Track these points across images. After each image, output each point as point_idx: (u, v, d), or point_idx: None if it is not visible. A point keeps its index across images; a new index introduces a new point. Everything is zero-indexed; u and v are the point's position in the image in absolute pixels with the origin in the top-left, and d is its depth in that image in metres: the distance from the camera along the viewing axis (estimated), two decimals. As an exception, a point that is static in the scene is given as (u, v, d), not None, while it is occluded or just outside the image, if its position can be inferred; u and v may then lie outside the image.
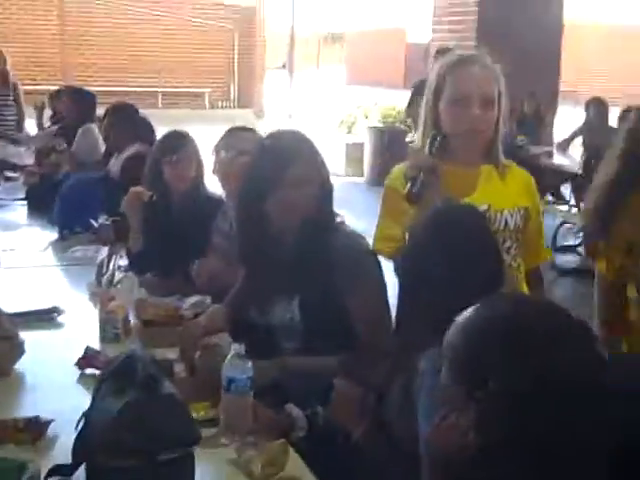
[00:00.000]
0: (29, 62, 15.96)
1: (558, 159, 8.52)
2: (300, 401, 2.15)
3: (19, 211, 5.11)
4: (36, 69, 16.66)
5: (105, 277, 3.18)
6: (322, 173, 2.40)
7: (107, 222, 3.76)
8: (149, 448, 1.61)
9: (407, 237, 1.99)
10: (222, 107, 19.01)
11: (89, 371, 2.40)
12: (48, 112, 7.27)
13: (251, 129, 3.01)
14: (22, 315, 2.72)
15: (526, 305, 1.35)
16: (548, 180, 7.42)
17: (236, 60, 19.47)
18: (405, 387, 1.86)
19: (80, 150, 5.67)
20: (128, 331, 2.71)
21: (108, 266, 3.23)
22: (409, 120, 8.01)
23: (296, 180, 2.30)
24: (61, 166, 5.51)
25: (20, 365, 2.42)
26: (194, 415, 1.88)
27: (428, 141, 2.28)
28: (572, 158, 8.56)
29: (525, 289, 2.36)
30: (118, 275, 3.22)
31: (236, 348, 2.05)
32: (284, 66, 25.32)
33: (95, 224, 3.87)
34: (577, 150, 8.66)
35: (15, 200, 5.31)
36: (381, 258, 2.41)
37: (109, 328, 2.67)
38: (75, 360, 2.42)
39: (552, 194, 8.52)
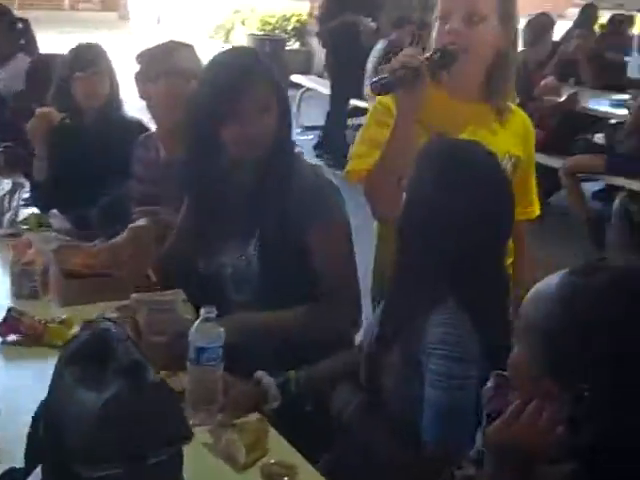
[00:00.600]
0: None
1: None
2: (267, 367, 1.91)
3: None
4: None
5: (7, 216, 2.80)
6: (283, 99, 2.11)
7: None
8: (138, 451, 1.34)
9: (407, 184, 1.74)
10: (83, 9, 17.82)
11: (10, 338, 2.06)
12: None
13: (189, 45, 2.59)
14: None
15: None
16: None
17: (98, -42, 18.24)
18: (405, 351, 1.67)
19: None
20: (47, 286, 2.35)
21: (10, 203, 2.83)
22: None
23: (256, 107, 2.01)
24: None
25: None
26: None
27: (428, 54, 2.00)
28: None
29: None
30: (23, 212, 2.85)
31: (207, 311, 1.78)
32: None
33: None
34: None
35: None
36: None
37: (25, 282, 2.31)
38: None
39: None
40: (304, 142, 7.12)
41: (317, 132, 7.96)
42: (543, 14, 6.48)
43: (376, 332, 1.75)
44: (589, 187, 6.15)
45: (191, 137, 2.13)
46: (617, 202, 5.40)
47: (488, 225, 1.63)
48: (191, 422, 1.68)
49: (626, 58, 7.88)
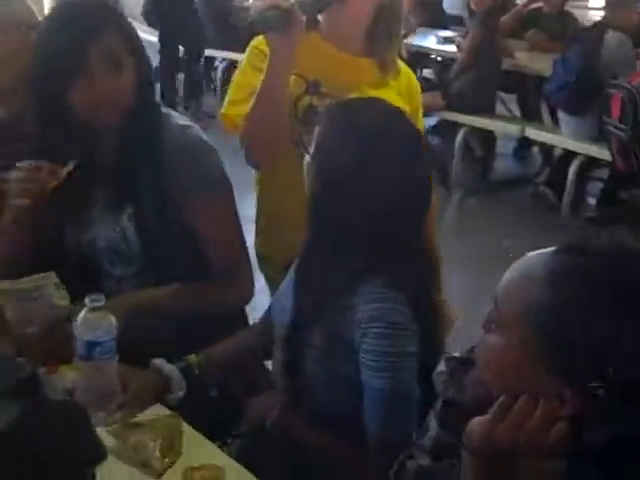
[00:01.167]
0: None
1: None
2: (163, 352, 1.71)
3: None
4: None
5: None
6: (140, 53, 1.83)
7: None
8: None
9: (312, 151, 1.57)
10: None
11: None
12: None
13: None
14: None
15: None
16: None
17: None
18: (329, 331, 1.51)
19: None
20: None
21: None
22: None
23: (106, 61, 1.73)
24: None
25: None
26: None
27: None
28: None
29: None
30: None
31: (93, 299, 1.54)
32: None
33: None
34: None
35: None
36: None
37: None
38: None
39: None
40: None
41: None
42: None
43: (291, 316, 1.58)
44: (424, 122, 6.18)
45: (36, 98, 1.83)
46: (460, 138, 5.46)
47: (412, 195, 1.50)
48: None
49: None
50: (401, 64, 2.07)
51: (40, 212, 1.81)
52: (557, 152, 5.63)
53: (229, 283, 1.91)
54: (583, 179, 5.38)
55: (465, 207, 5.48)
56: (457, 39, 5.93)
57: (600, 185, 5.54)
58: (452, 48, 5.92)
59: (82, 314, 1.54)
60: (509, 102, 6.28)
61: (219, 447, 1.58)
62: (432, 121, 6.08)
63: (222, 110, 1.99)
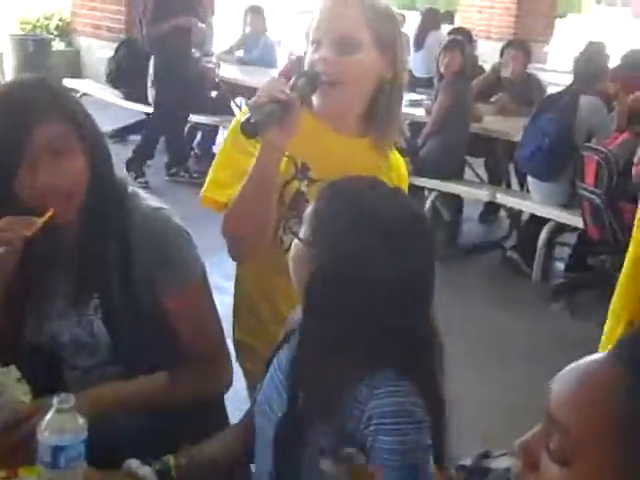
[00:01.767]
0: None
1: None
2: (137, 452, 1.53)
3: None
4: None
5: None
6: (90, 136, 1.66)
7: None
8: None
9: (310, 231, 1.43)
10: None
11: None
12: None
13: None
14: None
15: None
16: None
17: None
18: (334, 429, 1.35)
19: None
20: None
21: None
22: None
23: (48, 149, 1.57)
24: None
25: None
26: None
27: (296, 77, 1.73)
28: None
29: None
30: None
31: (60, 400, 1.36)
32: None
33: None
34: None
35: None
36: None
37: None
38: None
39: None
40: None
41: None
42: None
43: (282, 414, 1.42)
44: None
45: None
46: (428, 203, 5.38)
47: (419, 278, 1.39)
48: None
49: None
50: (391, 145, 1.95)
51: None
52: (524, 216, 5.59)
53: (205, 371, 1.77)
54: (551, 244, 5.34)
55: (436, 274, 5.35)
56: (425, 102, 5.90)
57: (567, 250, 5.51)
58: (420, 112, 5.88)
59: (48, 416, 1.36)
60: (476, 166, 6.24)
61: None
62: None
63: (203, 191, 1.85)
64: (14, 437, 1.51)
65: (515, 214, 5.76)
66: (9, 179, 1.57)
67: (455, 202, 5.79)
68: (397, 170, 1.96)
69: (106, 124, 7.63)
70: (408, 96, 6.39)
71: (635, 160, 2.00)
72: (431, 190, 5.52)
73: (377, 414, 1.31)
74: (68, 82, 8.28)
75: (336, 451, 1.33)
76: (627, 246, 2.08)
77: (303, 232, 1.43)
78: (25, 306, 1.72)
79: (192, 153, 7.37)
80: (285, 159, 1.74)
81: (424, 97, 6.09)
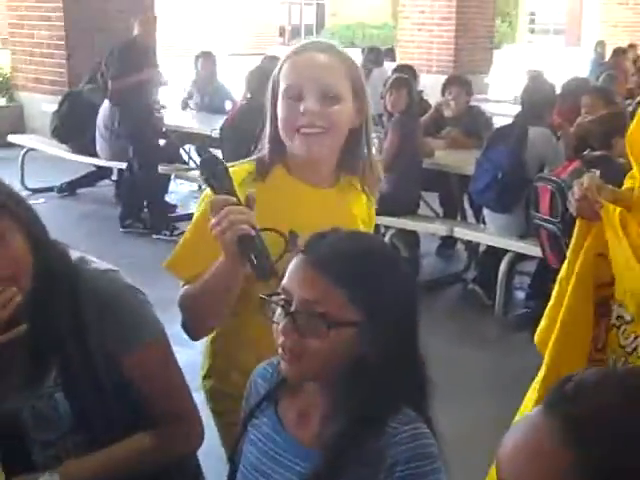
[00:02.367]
0: None
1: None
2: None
3: None
4: None
5: None
6: (22, 217, 1.62)
7: None
8: None
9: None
10: None
11: None
12: None
13: None
14: None
15: None
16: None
17: None
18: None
19: None
20: None
21: None
22: None
23: None
24: None
25: None
26: None
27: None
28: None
29: None
30: None
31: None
32: None
33: None
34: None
35: None
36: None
37: None
38: None
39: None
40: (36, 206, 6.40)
41: (48, 194, 7.33)
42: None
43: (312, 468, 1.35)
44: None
45: None
46: (387, 239, 5.38)
47: (413, 319, 1.38)
48: None
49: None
50: (358, 186, 1.94)
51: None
52: (482, 247, 5.62)
53: (173, 433, 1.74)
54: (511, 274, 5.37)
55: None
56: (374, 141, 5.92)
57: (527, 279, 5.55)
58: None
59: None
60: (431, 200, 6.28)
61: None
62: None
63: (168, 262, 1.84)
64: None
65: (473, 246, 5.79)
66: None
67: (412, 238, 5.80)
68: (367, 212, 1.97)
69: (54, 178, 7.63)
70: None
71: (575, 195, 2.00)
72: (388, 227, 5.51)
73: (403, 459, 1.28)
74: (12, 138, 8.19)
75: None
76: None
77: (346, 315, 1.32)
78: None
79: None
80: (268, 233, 1.65)
81: (373, 135, 6.12)
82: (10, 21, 10.14)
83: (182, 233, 1.91)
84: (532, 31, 39.39)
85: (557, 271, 4.81)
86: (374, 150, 1.99)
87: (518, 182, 4.85)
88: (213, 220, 1.56)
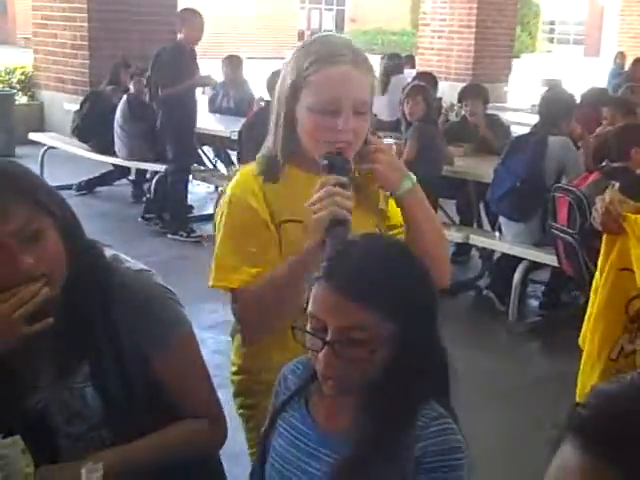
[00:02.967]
0: None
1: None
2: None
3: None
4: None
5: None
6: (58, 214, 1.63)
7: None
8: None
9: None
10: None
11: None
12: None
13: None
14: None
15: None
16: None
17: None
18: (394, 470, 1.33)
19: None
20: None
21: None
22: None
23: (21, 239, 1.55)
24: None
25: None
26: None
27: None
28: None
29: None
30: None
31: (89, 469, 1.34)
32: None
33: None
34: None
35: None
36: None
37: None
38: None
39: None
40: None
41: (66, 192, 7.39)
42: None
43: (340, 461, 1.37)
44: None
45: None
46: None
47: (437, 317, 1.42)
48: None
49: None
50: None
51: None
52: (496, 255, 5.64)
53: (199, 430, 1.77)
54: (525, 282, 5.38)
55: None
56: (393, 147, 5.94)
57: (540, 287, 5.56)
58: (389, 156, 5.92)
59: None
60: (447, 207, 6.30)
61: None
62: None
63: (212, 279, 1.84)
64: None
65: (488, 254, 5.81)
66: None
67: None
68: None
69: (73, 177, 7.71)
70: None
71: (598, 209, 2.01)
72: (404, 234, 5.53)
73: (430, 453, 1.31)
74: (33, 136, 8.26)
75: None
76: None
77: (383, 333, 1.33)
78: (15, 378, 1.69)
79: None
80: (294, 224, 1.73)
81: (391, 140, 6.15)
82: (34, 21, 10.25)
83: (198, 236, 1.92)
84: (551, 40, 39.33)
85: (571, 280, 4.85)
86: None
87: (536, 191, 4.86)
88: (316, 194, 1.60)
